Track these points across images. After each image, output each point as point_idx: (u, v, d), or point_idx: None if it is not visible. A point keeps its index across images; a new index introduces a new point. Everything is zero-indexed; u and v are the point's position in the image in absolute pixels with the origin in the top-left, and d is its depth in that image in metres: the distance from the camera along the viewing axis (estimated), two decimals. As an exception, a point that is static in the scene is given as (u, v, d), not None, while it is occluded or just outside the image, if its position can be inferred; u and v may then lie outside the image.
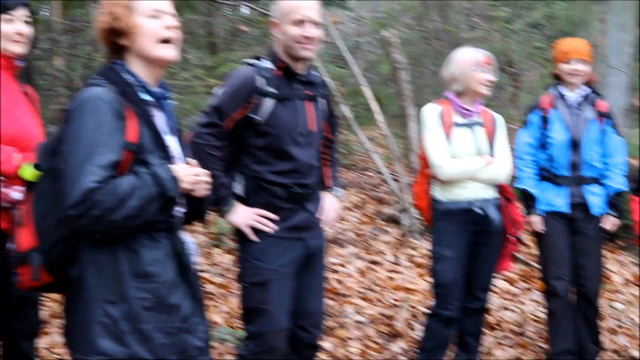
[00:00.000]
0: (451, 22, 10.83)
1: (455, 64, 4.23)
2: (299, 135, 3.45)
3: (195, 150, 2.97)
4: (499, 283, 6.08)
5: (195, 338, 2.47)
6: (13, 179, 3.20)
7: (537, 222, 4.55)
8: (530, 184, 4.56)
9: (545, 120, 4.55)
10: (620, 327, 5.58)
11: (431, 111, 4.22)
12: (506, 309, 5.84)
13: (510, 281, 6.40)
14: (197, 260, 2.63)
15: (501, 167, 4.18)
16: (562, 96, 4.57)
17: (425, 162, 4.27)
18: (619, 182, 4.49)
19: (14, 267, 2.41)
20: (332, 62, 10.16)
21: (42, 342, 4.26)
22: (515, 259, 4.77)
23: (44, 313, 3.72)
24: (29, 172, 2.40)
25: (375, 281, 6.40)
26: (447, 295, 4.19)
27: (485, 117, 4.28)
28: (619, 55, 9.10)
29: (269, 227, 3.43)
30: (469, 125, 4.20)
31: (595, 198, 4.51)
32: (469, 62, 4.17)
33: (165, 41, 2.47)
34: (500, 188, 4.29)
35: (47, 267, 2.36)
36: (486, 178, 4.15)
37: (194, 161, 2.58)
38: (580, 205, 4.51)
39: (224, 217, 3.48)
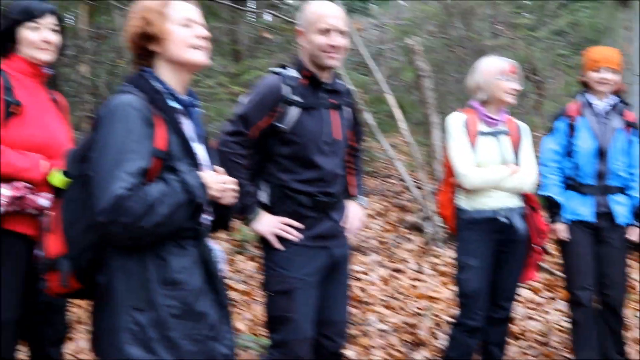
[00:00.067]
0: (474, 30, 10.79)
1: (480, 73, 4.22)
2: (324, 144, 3.45)
3: (221, 159, 2.97)
4: (523, 292, 6.04)
5: (222, 346, 2.48)
6: (40, 185, 3.24)
7: (562, 230, 4.51)
8: (555, 192, 4.52)
9: (572, 128, 4.51)
10: (645, 337, 5.53)
11: (456, 120, 4.21)
12: (530, 318, 5.80)
13: (535, 290, 6.36)
14: (224, 267, 2.64)
15: (526, 176, 4.16)
16: (589, 104, 4.53)
17: (449, 170, 4.26)
18: (644, 192, 4.46)
19: (42, 273, 2.43)
20: (355, 70, 10.17)
21: (67, 348, 4.28)
22: (540, 268, 4.73)
23: (69, 319, 3.74)
24: (57, 178, 2.41)
25: (398, 289, 6.39)
26: (471, 304, 4.17)
27: (510, 125, 4.26)
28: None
29: (294, 236, 3.43)
30: (494, 134, 4.18)
31: (620, 207, 4.47)
32: (494, 70, 4.16)
33: (196, 48, 2.50)
34: (526, 197, 4.26)
35: (76, 274, 2.37)
36: (511, 187, 4.13)
37: (221, 169, 2.59)
38: (606, 215, 4.48)
39: (249, 226, 3.48)
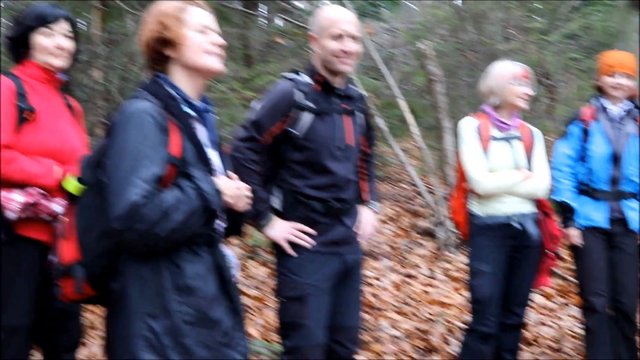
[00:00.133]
0: (486, 34, 10.77)
1: (492, 78, 4.22)
2: (337, 150, 3.44)
3: (234, 164, 2.98)
4: (535, 298, 6.02)
5: (236, 352, 2.47)
6: (54, 191, 3.25)
7: (575, 235, 4.47)
8: (568, 196, 4.48)
9: (586, 133, 4.48)
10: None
11: (468, 125, 4.20)
12: (543, 324, 5.77)
13: (547, 296, 6.33)
14: (237, 274, 2.64)
15: (539, 181, 4.15)
16: (604, 109, 4.50)
17: (462, 176, 4.25)
18: (657, 199, 4.43)
19: (56, 279, 2.43)
20: (367, 74, 10.17)
21: (80, 354, 4.28)
22: (552, 274, 4.71)
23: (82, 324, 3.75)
24: (72, 185, 2.41)
25: (410, 295, 6.38)
26: (484, 310, 4.16)
27: (523, 130, 4.25)
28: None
29: (307, 242, 3.42)
30: (507, 139, 4.17)
31: (634, 213, 4.44)
32: (507, 75, 4.15)
33: (211, 54, 2.50)
34: (539, 202, 4.25)
35: (90, 281, 2.37)
36: (524, 192, 4.12)
37: (234, 175, 2.59)
38: (619, 221, 4.45)
39: (262, 231, 3.48)
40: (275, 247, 3.50)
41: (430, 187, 8.33)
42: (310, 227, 3.43)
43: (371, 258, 7.21)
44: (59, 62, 3.43)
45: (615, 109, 4.48)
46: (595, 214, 4.45)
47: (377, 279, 6.72)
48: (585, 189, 4.49)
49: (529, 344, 5.32)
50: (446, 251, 7.54)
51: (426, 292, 6.48)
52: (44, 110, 3.35)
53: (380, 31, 14.34)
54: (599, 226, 4.44)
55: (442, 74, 8.44)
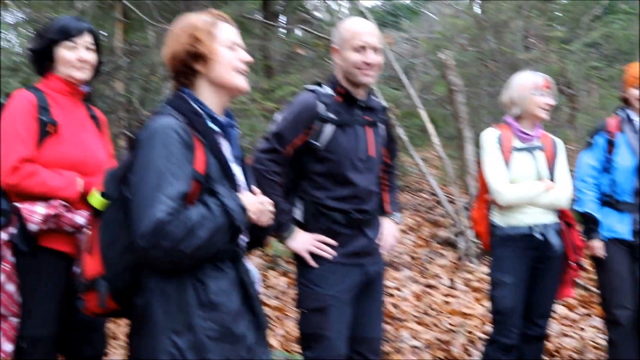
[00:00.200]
0: (507, 43, 10.72)
1: (514, 88, 4.20)
2: (359, 161, 3.44)
3: (256, 176, 2.98)
4: (557, 309, 5.98)
5: (259, 367, 2.47)
6: (77, 203, 3.27)
7: (598, 247, 4.43)
8: (592, 207, 4.44)
9: (611, 144, 4.44)
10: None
11: (490, 136, 4.19)
12: (565, 335, 5.73)
13: (570, 307, 6.28)
14: (260, 288, 2.64)
15: (562, 191, 4.12)
16: (630, 120, 4.46)
17: (484, 187, 4.24)
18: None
19: (80, 293, 2.43)
20: (387, 84, 10.17)
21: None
22: (575, 284, 4.68)
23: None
24: (96, 199, 2.42)
25: (431, 305, 6.35)
26: (506, 322, 4.13)
27: (545, 141, 4.23)
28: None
29: (328, 253, 3.42)
30: (529, 150, 4.15)
31: (658, 226, 4.40)
32: (528, 85, 4.14)
33: (240, 72, 2.51)
34: (561, 213, 4.22)
35: (113, 295, 2.37)
36: (546, 203, 4.10)
37: (258, 190, 2.59)
38: (642, 233, 4.41)
39: (284, 243, 3.48)
40: (297, 258, 3.50)
41: (450, 196, 8.31)
42: (332, 238, 3.43)
43: (392, 268, 7.19)
44: (82, 74, 3.45)
45: (642, 120, 4.43)
46: (619, 225, 4.40)
47: (398, 289, 6.70)
48: (608, 201, 4.45)
49: (551, 355, 5.28)
50: (467, 261, 7.51)
51: (447, 302, 6.45)
52: (67, 122, 3.37)
53: (400, 41, 14.35)
54: (622, 238, 4.39)
55: (462, 84, 8.43)
